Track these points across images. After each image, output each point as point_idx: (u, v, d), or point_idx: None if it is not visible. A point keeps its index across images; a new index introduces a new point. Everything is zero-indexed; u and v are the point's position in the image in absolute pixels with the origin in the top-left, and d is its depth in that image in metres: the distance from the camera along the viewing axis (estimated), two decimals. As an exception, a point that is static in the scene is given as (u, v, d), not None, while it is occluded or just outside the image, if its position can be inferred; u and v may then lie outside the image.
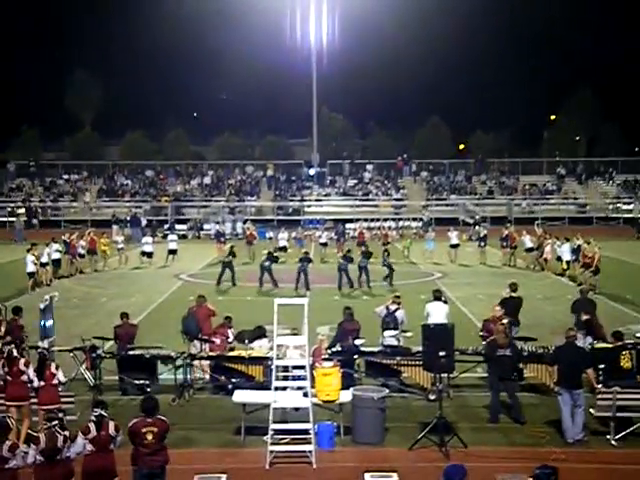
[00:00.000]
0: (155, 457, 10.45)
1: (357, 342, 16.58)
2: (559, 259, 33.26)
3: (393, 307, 17.53)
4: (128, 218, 53.34)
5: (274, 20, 68.90)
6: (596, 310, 18.43)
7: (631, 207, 62.18)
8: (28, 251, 30.29)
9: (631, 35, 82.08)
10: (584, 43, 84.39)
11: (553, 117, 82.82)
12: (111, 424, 10.45)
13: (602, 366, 14.82)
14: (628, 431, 13.52)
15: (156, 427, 10.49)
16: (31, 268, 29.80)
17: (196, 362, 16.67)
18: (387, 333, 17.20)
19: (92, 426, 10.33)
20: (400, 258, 37.75)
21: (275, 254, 31.36)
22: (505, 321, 15.23)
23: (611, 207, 63.04)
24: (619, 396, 13.48)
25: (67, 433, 10.17)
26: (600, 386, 13.98)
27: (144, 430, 10.43)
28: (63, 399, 13.68)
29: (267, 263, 30.20)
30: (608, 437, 13.49)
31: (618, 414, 13.51)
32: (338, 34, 66.84)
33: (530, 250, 35.87)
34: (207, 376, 16.82)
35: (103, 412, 10.50)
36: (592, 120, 77.33)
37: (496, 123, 79.77)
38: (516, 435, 13.91)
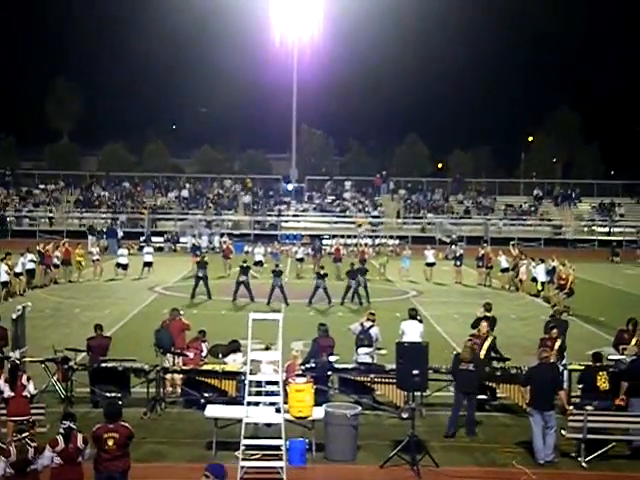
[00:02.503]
0: (115, 462, 10.46)
1: (331, 359, 16.53)
2: (534, 280, 33.44)
3: (368, 324, 17.52)
4: (104, 229, 53.08)
5: (255, 35, 69.29)
6: (567, 331, 18.55)
7: (606, 229, 62.76)
8: (2, 260, 30.02)
9: (611, 57, 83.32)
10: (564, 65, 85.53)
11: (530, 138, 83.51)
12: (79, 437, 10.38)
13: (580, 386, 14.92)
14: (598, 453, 13.56)
15: (117, 433, 10.49)
16: (4, 278, 29.54)
17: (168, 376, 16.59)
18: (361, 350, 17.19)
19: (60, 439, 10.25)
20: (376, 275, 37.80)
21: (247, 265, 30.99)
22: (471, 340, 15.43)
23: (586, 229, 63.49)
24: (590, 418, 13.54)
25: (36, 445, 10.09)
26: (571, 407, 14.05)
27: (105, 436, 10.43)
28: (33, 411, 13.50)
29: (243, 277, 30.11)
30: (579, 459, 13.53)
31: (589, 436, 13.55)
32: (319, 50, 67.18)
33: (505, 270, 36.08)
34: (179, 390, 16.73)
35: (72, 424, 10.42)
36: (570, 142, 78.05)
37: (474, 143, 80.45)
38: (487, 455, 13.91)
